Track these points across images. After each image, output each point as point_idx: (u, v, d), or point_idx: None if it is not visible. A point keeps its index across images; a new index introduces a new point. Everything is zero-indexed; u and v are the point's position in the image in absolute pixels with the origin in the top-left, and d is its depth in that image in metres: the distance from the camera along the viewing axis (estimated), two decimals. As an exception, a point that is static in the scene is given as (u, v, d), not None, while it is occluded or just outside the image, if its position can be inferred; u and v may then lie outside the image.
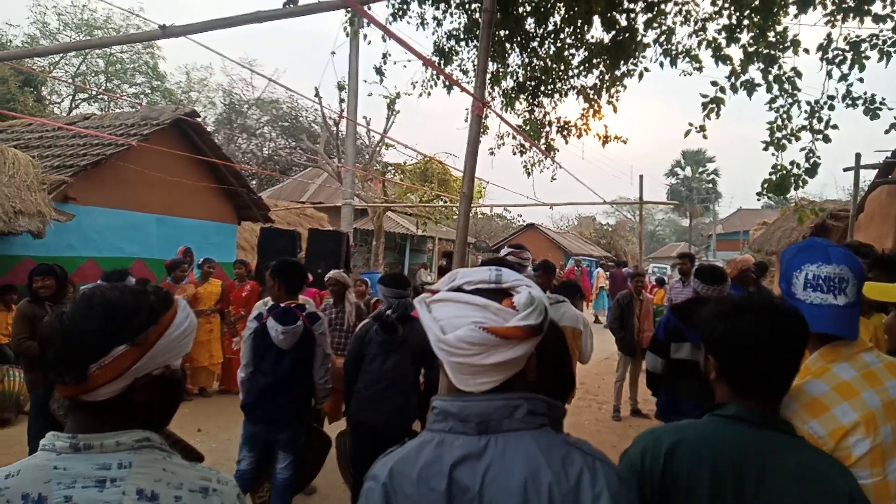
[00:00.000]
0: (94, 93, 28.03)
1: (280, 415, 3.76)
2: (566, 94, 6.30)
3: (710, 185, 47.30)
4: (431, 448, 1.14)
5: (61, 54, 26.08)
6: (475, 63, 6.75)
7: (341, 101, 14.44)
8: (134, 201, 9.96)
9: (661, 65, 4.87)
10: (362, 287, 7.50)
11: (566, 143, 6.48)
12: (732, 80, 4.30)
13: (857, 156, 8.26)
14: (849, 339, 1.65)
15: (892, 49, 4.16)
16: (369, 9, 2.59)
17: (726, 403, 1.41)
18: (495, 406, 1.12)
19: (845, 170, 8.46)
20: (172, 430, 1.36)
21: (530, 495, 1.05)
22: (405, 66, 7.01)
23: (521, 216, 37.02)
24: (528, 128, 6.66)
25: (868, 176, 8.87)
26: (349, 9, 2.93)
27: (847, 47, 4.15)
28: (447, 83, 6.41)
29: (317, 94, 15.36)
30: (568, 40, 5.47)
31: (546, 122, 6.44)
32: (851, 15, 4.18)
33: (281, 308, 3.73)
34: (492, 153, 7.16)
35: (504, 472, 1.07)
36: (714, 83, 4.24)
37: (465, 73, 6.58)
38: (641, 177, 10.72)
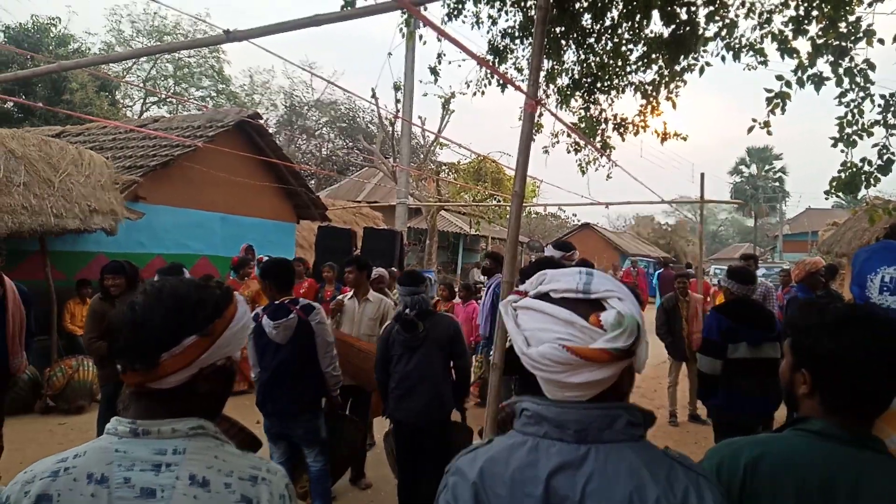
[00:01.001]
0: (163, 96, 29.30)
1: (286, 409, 3.85)
2: (623, 91, 6.17)
3: (777, 184, 45.34)
4: (525, 451, 1.10)
5: (133, 60, 27.45)
6: (529, 61, 6.74)
7: (397, 101, 14.63)
8: (199, 200, 10.38)
9: (724, 59, 4.70)
10: (385, 283, 7.53)
11: (623, 140, 6.34)
12: (799, 73, 4.11)
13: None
14: None
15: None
16: (425, 9, 2.62)
17: (812, 418, 1.33)
18: (594, 415, 1.08)
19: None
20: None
21: None
22: (460, 66, 7.01)
23: (575, 216, 36.55)
24: (583, 125, 6.56)
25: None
26: (404, 10, 2.97)
27: (927, 36, 3.90)
28: (501, 82, 6.38)
29: (373, 95, 15.59)
30: (626, 35, 5.34)
31: (602, 120, 6.32)
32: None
33: (273, 305, 3.84)
34: (545, 151, 7.08)
35: (607, 484, 1.03)
36: (779, 77, 4.07)
37: (519, 70, 6.53)
38: (703, 175, 10.38)
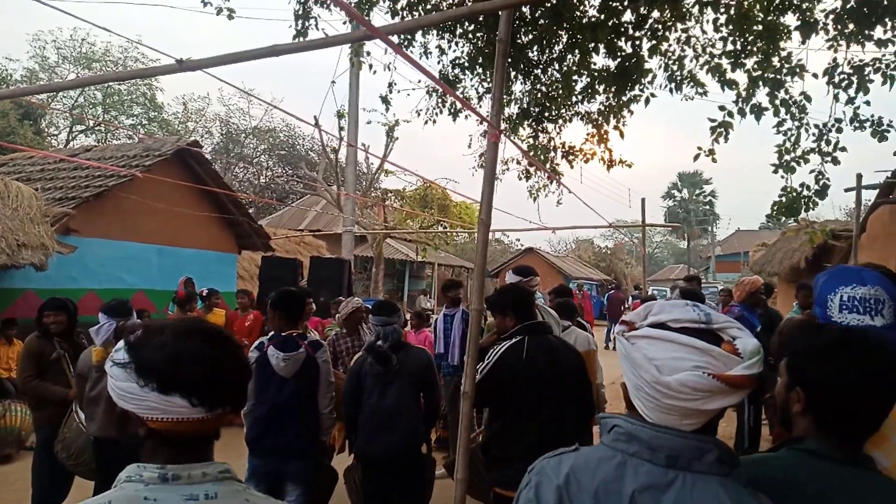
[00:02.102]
0: (91, 124, 28.17)
1: (287, 445, 3.70)
2: (570, 120, 6.35)
3: (708, 207, 47.55)
4: (613, 466, 1.14)
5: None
6: (478, 91, 6.86)
7: (340, 128, 14.55)
8: (135, 232, 9.95)
9: (671, 91, 4.91)
10: (363, 314, 7.42)
11: (571, 167, 6.51)
12: (740, 104, 4.34)
13: (859, 176, 8.33)
14: None
15: (895, 73, 4.21)
16: (409, 40, 2.62)
17: (807, 437, 1.36)
18: (689, 445, 1.12)
19: (846, 190, 8.52)
20: None
21: None
22: (408, 95, 7.08)
23: (518, 240, 37.12)
24: (531, 153, 6.70)
25: (869, 196, 8.93)
26: (372, 39, 2.95)
27: (851, 71, 4.20)
28: (452, 110, 6.45)
29: (316, 123, 15.47)
30: (574, 67, 5.52)
31: (551, 148, 6.47)
32: (853, 40, 4.25)
33: (282, 336, 3.72)
34: (498, 179, 7.18)
35: None
36: (722, 108, 4.28)
37: (467, 99, 6.64)
38: (643, 200, 10.76)
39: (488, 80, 6.28)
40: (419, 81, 10.63)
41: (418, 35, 6.18)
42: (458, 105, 6.59)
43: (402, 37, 5.99)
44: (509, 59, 5.95)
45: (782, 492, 1.25)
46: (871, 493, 1.26)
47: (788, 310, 7.70)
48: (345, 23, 8.03)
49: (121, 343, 1.15)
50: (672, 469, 1.11)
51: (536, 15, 5.42)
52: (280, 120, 34.77)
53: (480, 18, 5.41)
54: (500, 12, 3.07)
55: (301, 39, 4.66)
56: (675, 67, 4.96)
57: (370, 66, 6.59)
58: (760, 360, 1.12)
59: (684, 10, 4.85)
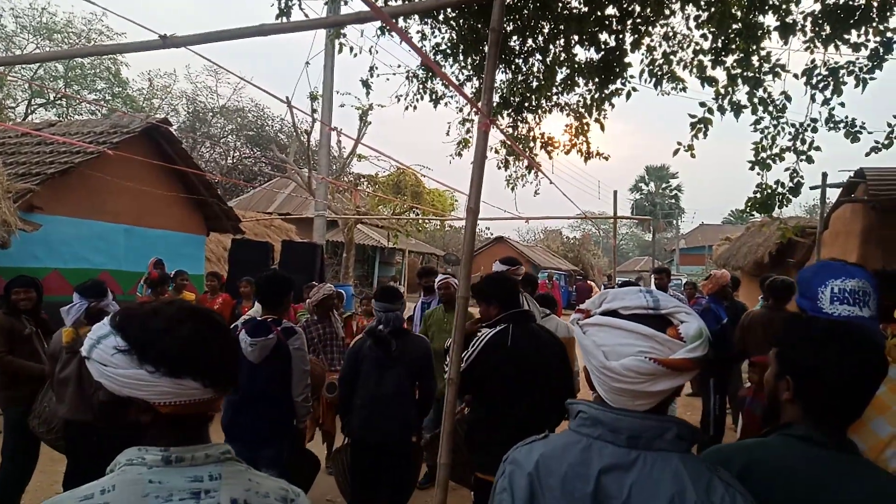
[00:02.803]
0: (54, 98, 27.17)
1: (258, 431, 3.67)
2: (550, 111, 6.38)
3: (673, 201, 48.49)
4: (579, 450, 1.20)
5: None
6: (458, 78, 6.83)
7: (313, 111, 14.33)
8: (101, 211, 9.67)
9: (656, 85, 4.98)
10: (336, 300, 7.39)
11: (550, 158, 6.56)
12: (719, 101, 4.43)
13: (824, 175, 8.60)
14: None
15: (867, 76, 4.35)
16: (396, 21, 2.59)
17: (795, 423, 1.43)
18: (648, 425, 1.19)
19: (812, 188, 8.79)
20: None
21: None
22: (388, 80, 7.01)
23: (489, 229, 37.29)
24: (508, 143, 6.72)
25: (833, 194, 9.23)
26: (381, 22, 2.91)
27: (827, 73, 4.33)
28: (433, 97, 6.42)
29: (289, 104, 15.20)
30: (556, 58, 5.54)
31: (531, 138, 6.50)
32: (829, 42, 4.37)
33: (255, 321, 3.67)
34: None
35: (651, 488, 1.13)
36: (702, 104, 4.37)
37: (446, 87, 6.61)
38: (615, 192, 10.94)
39: (468, 68, 6.27)
40: (399, 66, 10.56)
41: (399, 20, 6.13)
42: (440, 92, 6.57)
43: (382, 21, 5.93)
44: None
45: (774, 475, 1.32)
46: (856, 475, 1.34)
47: (752, 302, 7.95)
48: (326, 4, 7.88)
49: (104, 328, 1.12)
50: (634, 449, 1.17)
51: (520, 4, 5.43)
52: (249, 100, 34.12)
53: (463, 6, 5.38)
54: (494, 1, 3.06)
55: (284, 19, 4.58)
56: (657, 63, 5.02)
57: (350, 49, 6.52)
58: (704, 343, 1.17)
59: (666, 4, 4.91)
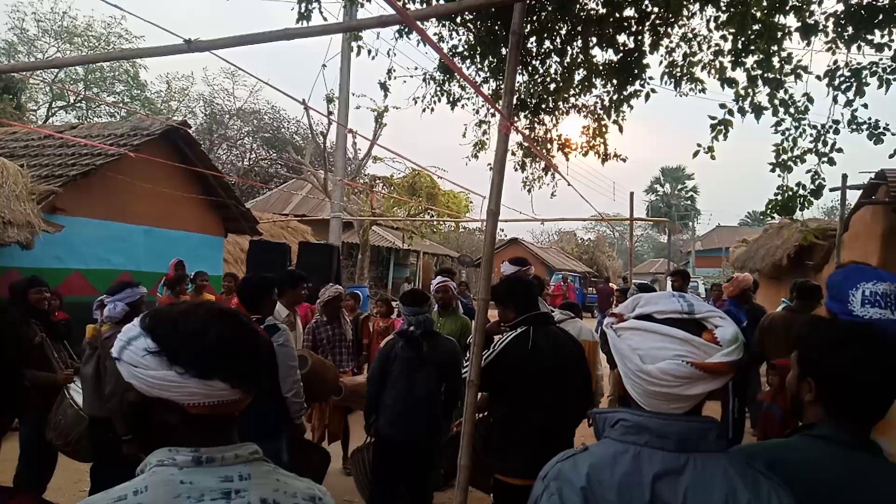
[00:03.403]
0: (75, 100, 27.56)
1: (247, 432, 3.66)
2: (567, 113, 6.37)
3: (689, 202, 48.10)
4: (629, 459, 1.19)
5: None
6: (476, 81, 6.83)
7: (329, 113, 14.42)
8: (122, 212, 9.82)
9: (676, 86, 4.96)
10: (351, 302, 7.42)
11: (567, 160, 6.55)
12: (740, 102, 4.40)
13: (844, 176, 8.49)
14: None
15: (891, 77, 4.30)
16: (423, 25, 2.61)
17: (818, 424, 1.44)
18: (694, 427, 1.20)
19: (832, 190, 8.67)
20: None
21: None
22: (405, 82, 7.03)
23: (503, 230, 37.21)
24: (526, 145, 6.71)
25: (852, 197, 9.11)
26: (404, 25, 2.94)
27: (849, 74, 4.28)
28: (450, 99, 6.44)
29: (304, 105, 15.30)
30: (578, 59, 5.53)
31: (548, 140, 6.49)
32: (852, 43, 4.32)
33: None
34: (492, 169, 7.19)
35: (705, 490, 1.14)
36: (723, 105, 4.34)
37: (463, 88, 6.62)
38: (632, 194, 10.88)
39: (485, 70, 6.27)
40: (416, 68, 10.59)
41: (417, 22, 6.14)
42: (457, 94, 6.58)
43: (403, 24, 5.95)
44: (507, 49, 5.96)
45: (796, 475, 1.32)
46: (880, 475, 1.35)
47: (771, 306, 7.86)
48: (343, 7, 7.93)
49: (134, 329, 1.13)
50: (683, 453, 1.17)
51: (538, 6, 5.42)
52: (266, 102, 34.40)
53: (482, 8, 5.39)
54: (515, 3, 3.07)
55: (304, 23, 4.62)
56: (676, 64, 4.99)
57: (369, 52, 6.56)
58: (740, 347, 1.18)
59: (685, 6, 4.89)
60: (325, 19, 5.67)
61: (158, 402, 1.11)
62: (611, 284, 16.44)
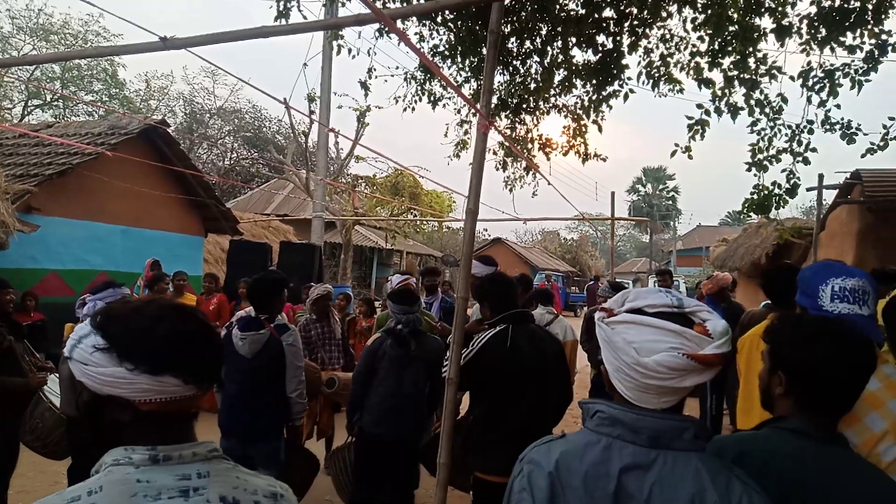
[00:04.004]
0: (50, 99, 27.09)
1: (250, 427, 3.68)
2: (548, 113, 6.40)
3: (671, 202, 48.56)
4: (599, 450, 1.21)
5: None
6: (456, 80, 6.84)
7: (311, 112, 14.35)
8: (99, 212, 9.69)
9: (654, 87, 5.01)
10: (343, 302, 7.40)
11: (548, 160, 6.58)
12: (716, 103, 4.46)
13: (821, 176, 8.64)
14: None
15: (863, 78, 4.39)
16: (395, 24, 2.60)
17: (788, 417, 1.47)
18: (668, 425, 1.21)
19: (808, 189, 8.83)
20: None
21: None
22: (386, 81, 7.04)
23: (486, 230, 37.30)
24: (507, 145, 6.74)
25: (829, 196, 9.27)
26: (382, 24, 2.92)
27: (823, 75, 4.36)
28: (431, 98, 6.44)
29: (286, 104, 15.20)
30: (558, 59, 5.57)
31: (529, 140, 6.52)
32: (825, 44, 4.40)
33: (247, 317, 3.72)
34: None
35: (671, 487, 1.15)
36: (699, 106, 4.40)
37: (444, 88, 6.62)
38: (613, 193, 10.97)
39: (466, 69, 6.28)
40: (397, 68, 10.56)
41: (398, 21, 6.13)
42: (438, 93, 6.59)
43: (382, 24, 5.94)
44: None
45: (764, 467, 1.35)
46: (847, 468, 1.37)
47: (749, 304, 7.97)
48: (323, 5, 7.90)
49: (85, 328, 1.12)
50: (654, 448, 1.18)
51: (518, 6, 5.45)
52: (246, 101, 34.12)
53: (462, 9, 5.40)
54: (493, 3, 3.08)
55: (283, 21, 4.59)
56: (654, 65, 5.04)
57: (349, 51, 6.55)
58: (729, 340, 1.22)
59: (663, 7, 4.94)
60: (304, 17, 5.67)
61: (110, 400, 1.09)
62: (599, 283, 16.49)
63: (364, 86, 6.21)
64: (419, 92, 6.37)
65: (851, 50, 4.34)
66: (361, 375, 3.91)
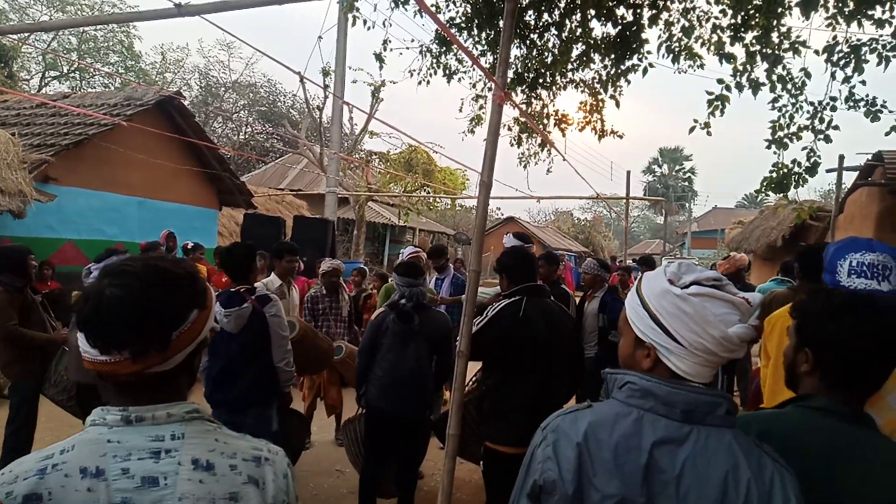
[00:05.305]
0: (68, 69, 27.16)
1: (237, 399, 3.69)
2: (565, 88, 6.31)
3: (687, 184, 48.02)
4: (630, 422, 1.18)
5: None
6: (473, 53, 6.75)
7: (326, 86, 14.27)
8: (115, 183, 9.76)
9: (674, 61, 4.90)
10: (358, 277, 7.42)
11: (563, 136, 6.50)
12: (737, 78, 4.36)
13: (841, 157, 8.47)
14: None
15: (890, 54, 4.25)
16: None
17: (814, 395, 1.42)
18: (703, 399, 1.18)
19: (828, 171, 8.68)
20: None
21: (729, 489, 1.11)
22: (401, 54, 6.94)
23: (499, 209, 37.19)
24: (525, 119, 6.66)
25: (849, 178, 9.09)
26: None
27: (849, 50, 4.24)
28: (446, 72, 6.36)
29: (301, 77, 15.14)
30: (576, 33, 5.46)
31: (545, 115, 6.43)
32: (852, 19, 4.27)
33: (227, 292, 3.70)
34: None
35: (705, 463, 1.12)
36: (720, 81, 4.30)
37: (460, 62, 6.54)
38: (629, 173, 10.86)
39: (482, 42, 6.19)
40: (412, 40, 10.45)
41: (414, -8, 6.04)
42: (453, 67, 6.51)
43: (399, -7, 5.85)
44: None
45: (789, 445, 1.31)
46: (870, 449, 1.33)
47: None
48: (339, -25, 7.79)
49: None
50: (687, 423, 1.15)
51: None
52: (262, 75, 34.02)
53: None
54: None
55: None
56: (675, 38, 4.93)
57: (364, 22, 6.46)
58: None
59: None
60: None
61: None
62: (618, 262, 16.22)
63: (379, 58, 6.13)
64: (434, 65, 6.29)
65: (880, 24, 4.20)
66: (366, 349, 3.92)
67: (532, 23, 5.96)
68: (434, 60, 6.29)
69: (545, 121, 6.54)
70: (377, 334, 3.87)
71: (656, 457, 1.13)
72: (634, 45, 5.15)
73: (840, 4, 4.29)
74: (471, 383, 3.68)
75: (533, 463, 1.24)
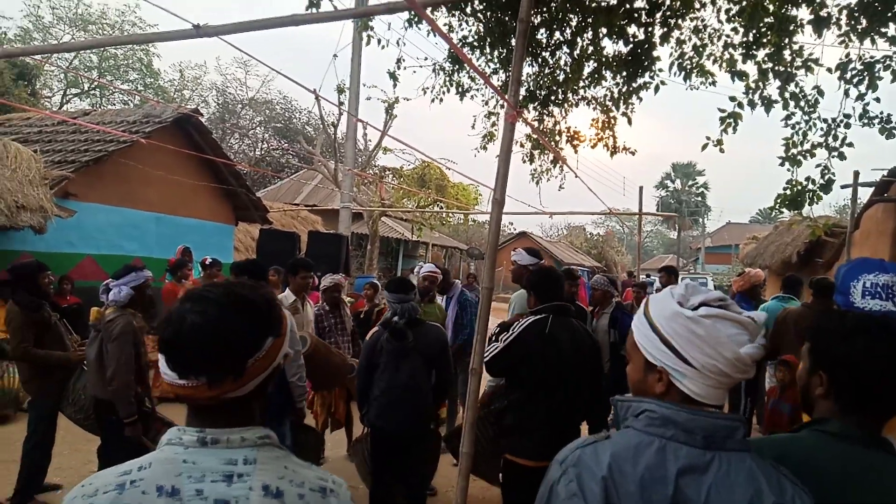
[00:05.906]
0: (89, 87, 27.72)
1: None
2: (577, 105, 6.35)
3: (700, 199, 47.77)
4: (653, 452, 1.15)
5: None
6: (485, 72, 6.82)
7: (340, 103, 14.44)
8: (134, 199, 9.91)
9: (686, 78, 4.93)
10: (371, 291, 7.44)
11: (576, 152, 6.53)
12: (750, 95, 4.37)
13: (856, 173, 8.39)
14: None
15: (904, 70, 4.25)
16: (431, 12, 2.62)
17: (829, 419, 1.40)
18: (721, 424, 1.16)
19: (843, 187, 8.60)
20: None
21: None
22: (414, 72, 7.03)
23: (511, 224, 37.18)
24: (535, 137, 6.70)
25: (864, 194, 9.00)
26: (412, 12, 2.94)
27: (862, 67, 4.24)
28: (459, 90, 6.43)
29: (316, 95, 15.33)
30: (588, 50, 5.51)
31: (557, 132, 6.47)
32: (865, 36, 4.27)
33: None
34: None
35: (728, 489, 1.11)
36: (733, 98, 4.32)
37: (472, 79, 6.61)
38: (641, 188, 10.85)
39: (495, 61, 6.26)
40: (426, 59, 10.57)
41: (427, 10, 6.13)
42: (466, 85, 6.58)
43: (412, 13, 5.94)
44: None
45: (803, 471, 1.27)
46: (886, 473, 1.30)
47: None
48: (354, -5, 7.94)
49: None
50: (709, 450, 1.13)
51: (550, -3, 5.40)
52: (277, 93, 34.46)
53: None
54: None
55: (314, 10, 4.63)
56: (687, 56, 4.96)
57: (378, 41, 6.57)
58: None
59: (696, -2, 4.85)
60: (334, 7, 5.71)
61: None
62: (632, 278, 16.06)
63: (393, 76, 6.23)
64: (447, 83, 6.37)
65: (893, 41, 4.21)
66: (363, 370, 3.91)
67: (544, 41, 6.02)
68: (447, 78, 6.37)
69: (557, 137, 6.59)
70: (372, 353, 3.85)
71: (682, 487, 1.11)
72: (646, 63, 5.19)
73: (853, 22, 4.31)
74: (481, 396, 3.68)
75: (555, 500, 1.19)
